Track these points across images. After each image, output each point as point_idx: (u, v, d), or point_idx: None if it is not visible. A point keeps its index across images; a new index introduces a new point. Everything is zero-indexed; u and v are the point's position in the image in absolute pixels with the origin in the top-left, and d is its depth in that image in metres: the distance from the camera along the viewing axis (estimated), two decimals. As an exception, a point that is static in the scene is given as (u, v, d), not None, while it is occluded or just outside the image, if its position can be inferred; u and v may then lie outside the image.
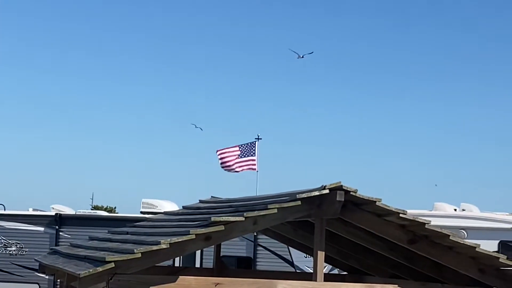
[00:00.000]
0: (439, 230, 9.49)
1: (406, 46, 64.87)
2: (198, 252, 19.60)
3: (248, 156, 26.93)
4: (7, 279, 21.40)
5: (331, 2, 64.19)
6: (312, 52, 30.08)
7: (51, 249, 13.80)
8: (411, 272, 10.93)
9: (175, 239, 8.84)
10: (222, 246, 12.85)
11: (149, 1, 68.13)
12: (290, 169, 65.10)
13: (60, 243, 20.35)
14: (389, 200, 9.34)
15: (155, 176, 75.87)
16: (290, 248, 18.86)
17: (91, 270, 8.72)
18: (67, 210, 22.36)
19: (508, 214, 18.51)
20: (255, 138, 27.53)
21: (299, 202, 9.20)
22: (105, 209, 50.16)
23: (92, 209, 41.76)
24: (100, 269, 8.69)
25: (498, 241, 17.58)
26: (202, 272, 13.30)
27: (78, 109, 73.07)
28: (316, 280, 9.46)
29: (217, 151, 27.29)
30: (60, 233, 21.48)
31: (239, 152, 26.98)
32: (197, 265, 19.82)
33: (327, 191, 9.18)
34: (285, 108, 66.70)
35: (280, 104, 67.92)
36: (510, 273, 9.91)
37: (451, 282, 10.23)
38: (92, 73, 71.06)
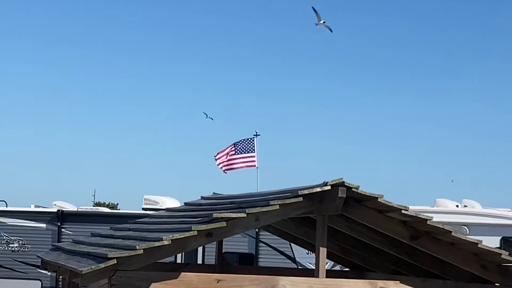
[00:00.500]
0: (441, 226, 9.49)
1: (407, 43, 64.82)
2: (200, 249, 19.59)
3: (246, 152, 26.83)
4: (9, 276, 21.40)
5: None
6: (331, 31, 29.03)
7: (53, 245, 13.81)
8: (412, 268, 10.93)
9: (177, 236, 8.83)
10: (224, 243, 12.85)
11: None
12: (291, 166, 65.14)
13: (62, 240, 20.37)
14: (390, 197, 9.33)
15: (157, 172, 75.97)
16: (292, 244, 18.86)
17: (93, 267, 8.72)
18: (69, 207, 22.35)
19: (510, 210, 18.50)
20: (253, 135, 27.46)
21: (301, 199, 9.20)
22: (107, 206, 50.15)
23: (94, 206, 41.76)
24: (102, 265, 8.69)
25: (500, 237, 17.57)
26: (204, 268, 13.31)
27: (80, 105, 73.16)
28: (318, 276, 9.45)
29: (215, 158, 27.18)
30: (62, 229, 21.47)
31: (234, 151, 26.87)
32: (199, 261, 19.83)
33: (329, 187, 9.18)
34: (286, 104, 66.72)
35: (281, 99, 67.92)
36: (512, 269, 9.91)
37: (453, 279, 10.23)
38: (93, 69, 71.12)
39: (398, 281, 9.82)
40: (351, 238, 10.98)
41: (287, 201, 9.19)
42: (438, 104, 64.93)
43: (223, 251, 13.00)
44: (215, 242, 12.14)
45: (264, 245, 20.78)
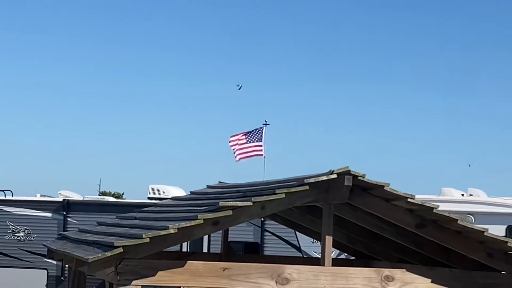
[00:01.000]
0: (447, 214, 9.48)
1: (409, 38, 64.70)
2: (205, 238, 19.61)
3: (254, 141, 26.84)
4: (16, 265, 21.46)
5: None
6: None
7: (59, 234, 13.82)
8: (418, 256, 10.93)
9: (183, 224, 8.84)
10: (229, 232, 12.85)
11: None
12: (297, 155, 65.14)
13: (68, 229, 20.36)
14: (396, 185, 9.31)
15: (162, 162, 76.03)
16: (297, 233, 18.87)
17: (99, 255, 8.73)
18: (75, 196, 22.37)
19: (516, 199, 18.49)
20: (263, 124, 27.43)
21: (307, 187, 9.19)
22: (113, 195, 50.20)
23: (99, 195, 41.82)
24: (108, 254, 8.70)
25: (506, 226, 17.57)
26: (210, 257, 13.33)
27: (86, 95, 73.22)
28: (324, 265, 9.46)
29: (229, 141, 27.18)
30: (68, 219, 21.50)
31: (245, 140, 26.89)
32: (205, 250, 19.84)
33: (335, 176, 9.16)
34: (293, 93, 66.67)
35: (289, 89, 67.87)
36: (518, 258, 9.91)
37: (459, 267, 10.23)
38: (97, 61, 71.10)
39: (404, 270, 9.82)
40: (357, 226, 10.98)
41: (293, 189, 9.18)
42: (444, 92, 64.86)
43: (229, 240, 13.01)
44: (220, 231, 12.13)
45: (270, 234, 20.79)
